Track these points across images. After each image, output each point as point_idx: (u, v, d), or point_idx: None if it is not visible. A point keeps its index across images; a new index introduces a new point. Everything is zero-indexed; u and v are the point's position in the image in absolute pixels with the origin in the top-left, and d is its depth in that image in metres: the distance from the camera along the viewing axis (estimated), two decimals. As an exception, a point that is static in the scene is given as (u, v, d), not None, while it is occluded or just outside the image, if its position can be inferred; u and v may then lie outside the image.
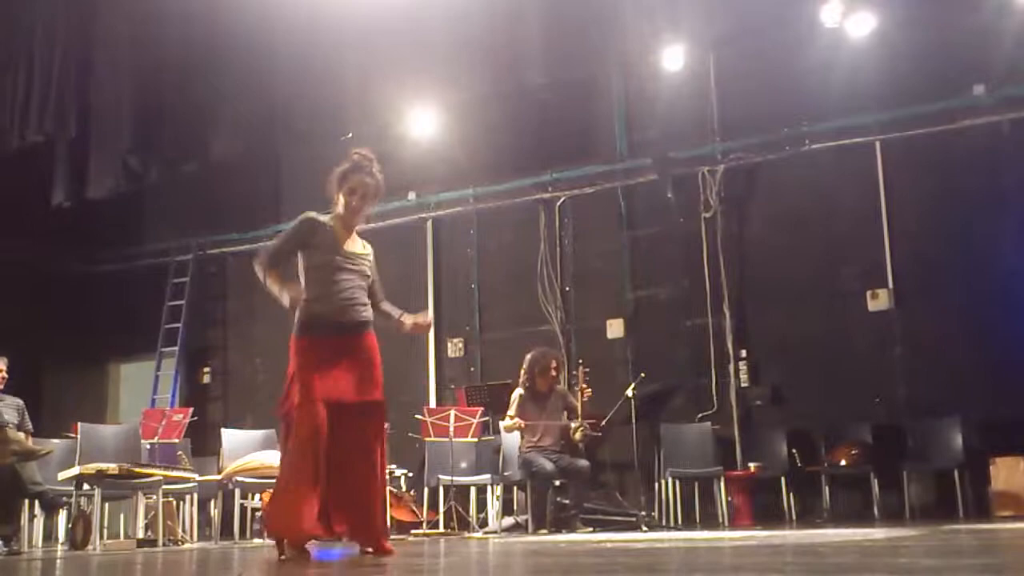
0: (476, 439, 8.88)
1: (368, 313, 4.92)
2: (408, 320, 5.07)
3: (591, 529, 7.97)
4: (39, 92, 10.36)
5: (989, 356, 8.46)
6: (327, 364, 4.73)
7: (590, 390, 8.25)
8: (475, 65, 10.03)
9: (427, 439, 8.72)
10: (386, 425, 5.03)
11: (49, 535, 8.20)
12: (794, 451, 8.96)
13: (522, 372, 8.35)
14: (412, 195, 11.17)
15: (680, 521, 8.67)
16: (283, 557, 4.62)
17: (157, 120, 10.92)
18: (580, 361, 8.84)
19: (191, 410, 9.15)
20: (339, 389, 4.73)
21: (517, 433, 8.28)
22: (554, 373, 8.35)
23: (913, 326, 8.98)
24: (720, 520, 8.67)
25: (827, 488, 8.69)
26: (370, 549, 4.73)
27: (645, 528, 8.03)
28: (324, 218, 4.93)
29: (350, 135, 10.24)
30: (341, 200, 4.90)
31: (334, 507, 4.72)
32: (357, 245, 4.99)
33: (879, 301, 9.15)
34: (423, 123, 10.70)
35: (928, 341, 8.87)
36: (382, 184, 4.97)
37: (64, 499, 7.56)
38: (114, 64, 10.63)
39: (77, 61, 10.45)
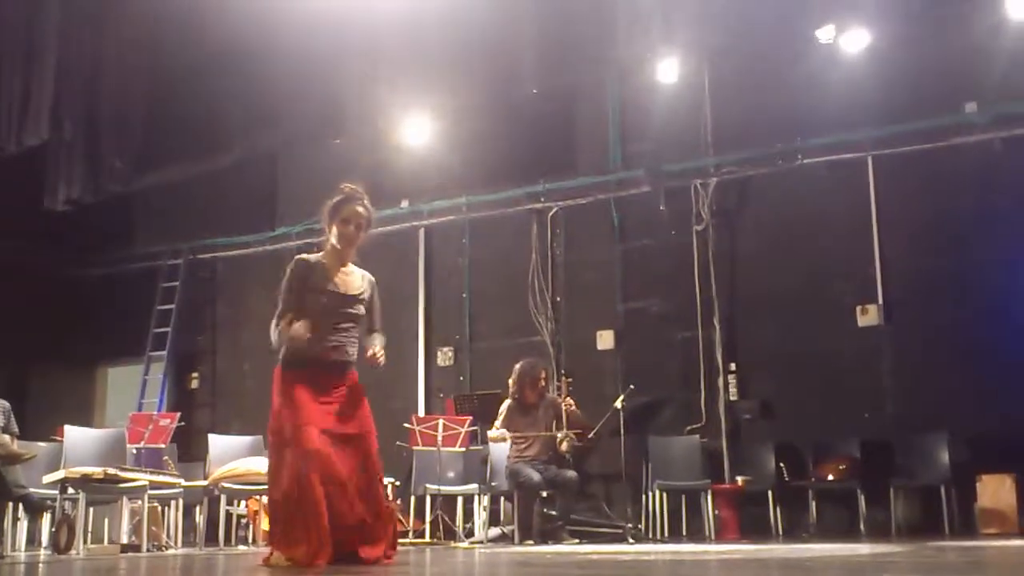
0: (464, 449, 8.87)
1: (354, 354, 4.90)
2: (369, 351, 4.95)
3: (577, 540, 7.95)
4: (34, 96, 10.33)
5: (977, 373, 8.47)
6: (313, 395, 4.72)
7: (572, 401, 8.24)
8: (470, 74, 10.05)
9: (415, 448, 8.71)
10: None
11: (32, 539, 8.13)
12: (782, 465, 8.95)
13: (511, 383, 8.34)
14: (405, 203, 11.17)
15: (667, 534, 8.66)
16: (267, 563, 4.59)
17: (150, 124, 10.91)
18: (563, 372, 8.83)
19: (178, 415, 9.11)
20: (328, 421, 4.71)
21: (505, 443, 8.27)
22: (543, 384, 8.35)
23: (902, 342, 8.99)
24: (707, 533, 8.66)
25: (814, 503, 8.69)
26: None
27: (632, 540, 8.03)
28: (315, 257, 4.94)
29: (338, 140, 10.25)
30: (334, 231, 4.90)
31: (338, 538, 4.64)
32: (353, 280, 4.95)
33: (869, 316, 9.16)
34: (417, 131, 10.70)
35: (917, 357, 8.89)
36: (373, 215, 4.99)
37: (48, 503, 7.49)
38: (109, 68, 10.61)
39: (72, 65, 10.42)
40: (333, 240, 4.91)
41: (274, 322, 4.83)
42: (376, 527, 4.71)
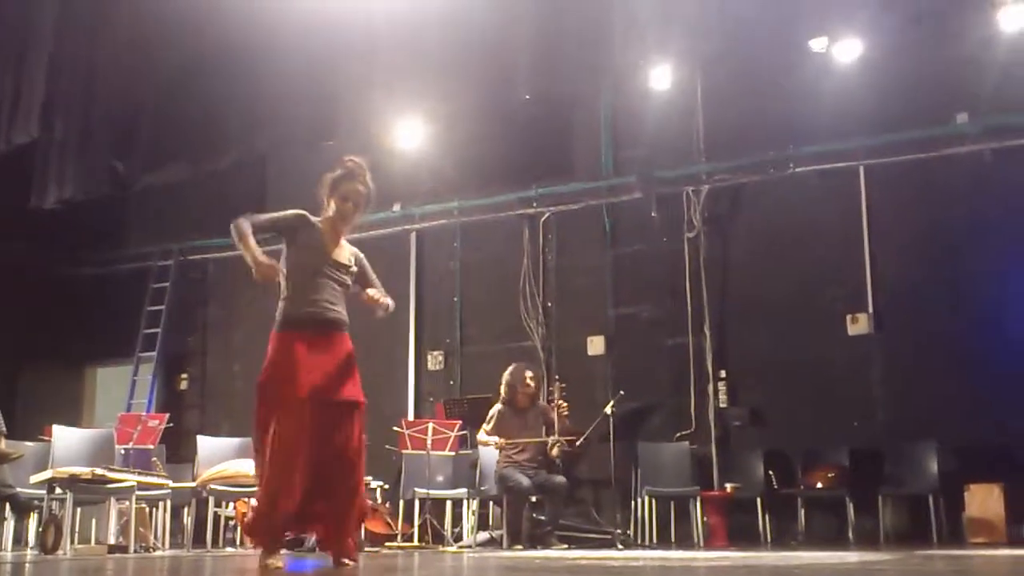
0: (453, 453, 8.86)
1: (344, 316, 4.89)
2: (372, 293, 4.98)
3: (566, 546, 7.96)
4: (25, 94, 10.30)
5: (966, 382, 8.50)
6: (308, 359, 4.69)
7: (566, 405, 8.24)
8: (463, 78, 10.02)
9: (404, 451, 8.70)
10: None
11: (19, 539, 8.10)
12: (771, 472, 8.96)
13: (502, 388, 8.34)
14: (397, 206, 11.15)
15: (655, 540, 8.67)
16: (266, 563, 4.58)
17: (142, 123, 10.86)
18: (557, 377, 8.84)
19: (167, 416, 9.09)
20: (321, 385, 4.70)
21: (493, 447, 8.27)
22: (534, 389, 8.35)
23: (892, 351, 9.01)
24: (695, 540, 8.67)
25: (803, 510, 8.70)
26: (345, 560, 4.69)
27: (620, 546, 8.03)
28: (316, 219, 4.93)
29: (330, 143, 10.22)
30: (332, 206, 4.91)
31: (311, 510, 4.67)
32: (344, 253, 4.97)
33: (859, 325, 9.18)
34: (410, 134, 10.68)
35: (906, 366, 8.91)
36: (373, 193, 4.97)
37: (36, 503, 7.47)
38: (100, 67, 10.58)
39: (63, 63, 10.39)
40: (329, 213, 4.92)
41: (244, 222, 4.74)
42: (345, 520, 4.72)
